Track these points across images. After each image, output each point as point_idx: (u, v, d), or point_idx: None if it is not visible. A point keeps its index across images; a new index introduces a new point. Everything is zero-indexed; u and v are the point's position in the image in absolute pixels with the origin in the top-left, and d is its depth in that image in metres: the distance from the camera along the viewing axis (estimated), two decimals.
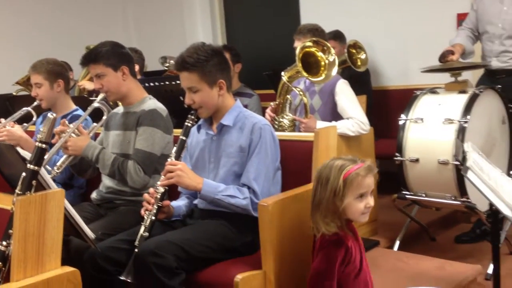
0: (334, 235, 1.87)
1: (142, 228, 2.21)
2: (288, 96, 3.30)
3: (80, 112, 3.17)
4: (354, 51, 3.88)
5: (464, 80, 3.28)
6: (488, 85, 3.17)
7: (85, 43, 4.73)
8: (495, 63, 3.24)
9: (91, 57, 2.67)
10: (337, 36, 4.35)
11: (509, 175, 3.16)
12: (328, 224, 1.87)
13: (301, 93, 3.23)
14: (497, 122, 3.17)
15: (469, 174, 2.10)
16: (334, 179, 1.85)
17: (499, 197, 2.11)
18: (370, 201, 1.90)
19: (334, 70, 3.10)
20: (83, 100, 3.67)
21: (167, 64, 4.84)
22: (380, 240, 3.45)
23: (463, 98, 2.99)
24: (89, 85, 4.49)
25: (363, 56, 3.89)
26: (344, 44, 4.37)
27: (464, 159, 2.19)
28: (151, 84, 3.40)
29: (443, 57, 3.21)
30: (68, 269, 1.80)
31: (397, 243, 3.34)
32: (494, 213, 2.24)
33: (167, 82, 3.45)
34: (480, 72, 3.50)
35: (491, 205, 2.16)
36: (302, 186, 2.27)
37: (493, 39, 3.24)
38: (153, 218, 2.23)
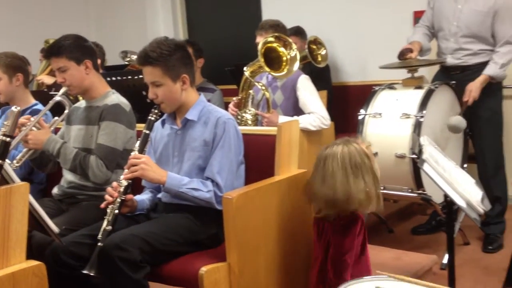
0: (352, 213, 2.02)
1: (105, 222, 2.20)
2: (251, 91, 3.33)
3: (39, 106, 3.11)
4: (314, 47, 3.94)
5: (420, 76, 3.38)
6: (443, 80, 3.27)
7: (43, 37, 4.64)
8: (450, 60, 3.34)
9: (53, 50, 2.63)
10: (298, 32, 4.40)
11: (463, 167, 3.29)
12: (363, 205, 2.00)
13: (263, 88, 3.27)
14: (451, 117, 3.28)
15: (425, 167, 2.18)
16: (368, 162, 2.01)
17: (454, 188, 2.20)
18: None
19: (296, 65, 3.14)
20: (42, 95, 3.61)
21: (128, 59, 4.79)
22: None
23: (419, 94, 3.08)
24: (48, 80, 4.42)
25: (323, 52, 3.95)
26: (305, 40, 4.43)
27: (420, 152, 2.27)
28: (114, 78, 3.38)
29: (402, 55, 3.30)
30: (33, 262, 1.78)
31: None
32: (448, 204, 2.33)
33: (129, 77, 3.43)
34: (435, 68, 3.61)
35: (446, 196, 2.25)
36: (266, 180, 2.31)
37: (448, 36, 3.33)
38: (116, 211, 2.22)
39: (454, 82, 3.25)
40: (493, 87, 3.26)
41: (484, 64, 3.24)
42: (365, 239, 2.14)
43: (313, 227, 2.15)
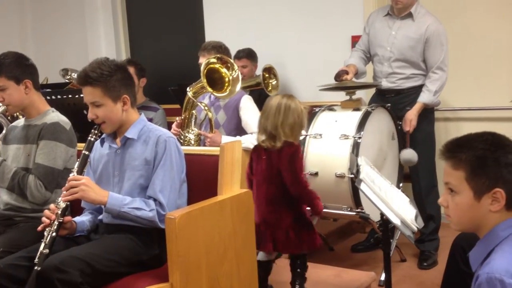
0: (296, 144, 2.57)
1: (42, 245, 2.14)
2: (194, 111, 3.35)
3: None
4: (267, 75, 4.01)
5: (358, 98, 3.51)
6: (379, 103, 3.41)
7: None
8: (385, 84, 3.48)
9: None
10: (250, 55, 4.45)
11: (398, 187, 3.42)
12: (296, 136, 2.58)
13: (206, 108, 3.30)
14: (387, 138, 3.42)
15: (362, 186, 2.26)
16: (301, 108, 2.58)
17: (389, 207, 2.28)
18: None
19: (238, 86, 3.19)
20: None
21: (68, 77, 4.71)
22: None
23: (357, 115, 3.20)
24: None
25: (274, 82, 4.04)
26: (256, 63, 4.48)
27: (358, 172, 2.34)
28: (54, 97, 3.32)
29: (338, 77, 3.42)
30: None
31: None
32: (384, 222, 2.41)
33: (70, 96, 3.38)
34: (372, 91, 3.75)
35: (382, 215, 2.33)
36: (209, 199, 2.32)
37: (383, 61, 3.48)
38: (54, 234, 2.17)
39: (389, 104, 3.39)
40: (427, 110, 3.43)
41: (416, 88, 3.41)
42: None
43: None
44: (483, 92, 4.01)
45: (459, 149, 1.54)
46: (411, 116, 3.35)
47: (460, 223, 1.59)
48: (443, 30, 3.36)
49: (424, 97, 3.35)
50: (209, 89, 3.15)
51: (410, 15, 3.38)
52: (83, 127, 2.87)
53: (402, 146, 3.47)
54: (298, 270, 2.65)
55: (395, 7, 3.39)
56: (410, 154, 3.16)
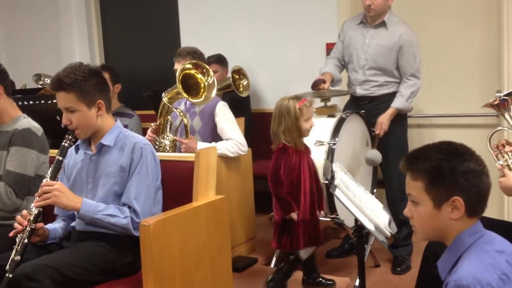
0: (282, 144, 2.81)
1: (14, 252, 2.11)
2: (169, 117, 3.33)
3: None
4: (237, 76, 4.03)
5: (332, 105, 3.54)
6: (354, 110, 3.45)
7: None
8: (359, 91, 3.52)
9: None
10: (220, 59, 4.47)
11: (372, 192, 3.45)
12: (292, 136, 2.79)
13: (181, 114, 3.28)
14: (361, 144, 3.45)
15: (337, 192, 2.28)
16: (292, 108, 2.77)
17: (363, 213, 2.30)
18: (312, 122, 2.83)
19: (214, 92, 3.19)
20: None
21: (41, 82, 4.64)
22: (258, 258, 3.57)
23: (332, 122, 3.23)
24: None
25: (245, 82, 4.05)
26: (226, 68, 4.50)
27: (332, 178, 2.36)
28: (26, 103, 3.27)
29: (315, 86, 3.44)
30: None
31: (274, 259, 3.48)
32: (359, 228, 2.43)
33: (43, 101, 3.33)
34: (346, 97, 3.79)
35: (356, 220, 2.35)
36: (184, 206, 2.31)
37: (357, 69, 3.52)
38: (26, 241, 2.14)
39: (363, 111, 3.43)
40: (400, 117, 3.48)
41: (390, 95, 3.45)
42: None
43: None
44: (456, 99, 4.08)
45: (417, 160, 1.57)
46: (383, 119, 3.40)
47: (425, 233, 1.62)
48: (416, 38, 3.41)
49: (397, 102, 3.40)
50: (185, 95, 3.14)
51: (383, 24, 3.43)
52: (56, 133, 2.84)
53: None
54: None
55: (367, 15, 3.44)
56: (372, 154, 3.23)
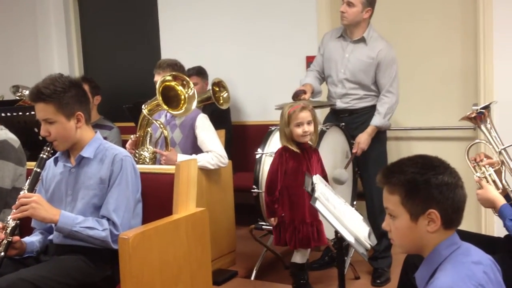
0: (281, 148, 2.96)
1: None
2: (149, 129, 3.32)
3: None
4: (217, 89, 4.04)
5: None
6: (334, 122, 3.48)
7: None
8: (339, 104, 3.55)
9: None
10: (200, 72, 4.48)
11: (352, 205, 3.46)
12: (283, 140, 2.95)
13: (161, 126, 3.27)
14: (341, 156, 3.47)
15: (317, 204, 2.27)
16: (284, 114, 2.91)
17: (343, 225, 2.30)
18: (306, 127, 2.89)
19: (194, 104, 3.19)
20: None
21: (19, 93, 4.59)
22: (238, 270, 3.56)
23: None
24: None
25: (225, 94, 4.07)
26: (206, 80, 4.51)
27: (313, 190, 2.37)
28: (3, 114, 3.22)
29: (296, 96, 3.45)
30: None
31: (254, 272, 3.47)
32: (339, 240, 2.43)
33: (20, 113, 3.29)
34: (327, 110, 3.82)
35: (336, 232, 2.35)
36: (164, 218, 2.29)
37: (337, 82, 3.55)
38: (2, 254, 2.11)
39: (343, 124, 3.46)
40: (378, 131, 3.50)
41: (370, 108, 3.48)
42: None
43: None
44: (434, 112, 4.14)
45: (392, 174, 1.59)
46: (361, 139, 3.42)
47: (403, 246, 1.63)
48: (394, 55, 3.46)
49: (376, 121, 3.44)
50: (165, 107, 3.13)
51: (363, 39, 3.47)
52: (34, 145, 2.81)
53: (355, 164, 3.53)
54: None
55: (341, 22, 3.47)
56: (337, 173, 3.27)
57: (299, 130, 2.89)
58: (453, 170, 1.58)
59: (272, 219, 2.96)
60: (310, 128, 2.91)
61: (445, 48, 4.08)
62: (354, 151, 3.44)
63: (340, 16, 3.44)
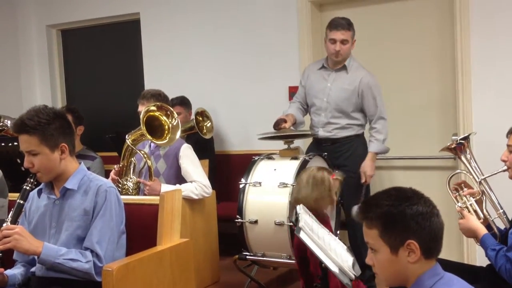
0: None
1: None
2: (132, 159, 3.31)
3: None
4: (200, 118, 4.06)
5: (296, 147, 3.59)
6: (316, 152, 3.51)
7: None
8: (322, 133, 3.60)
9: None
10: (183, 102, 4.49)
11: (336, 234, 3.47)
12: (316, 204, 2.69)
13: (145, 156, 3.27)
14: None
15: (301, 234, 2.29)
16: (328, 180, 2.75)
17: (328, 255, 2.31)
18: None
19: (178, 134, 3.20)
20: None
21: (1, 124, 4.55)
22: None
23: (295, 164, 3.27)
24: None
25: (208, 124, 4.09)
26: (190, 110, 4.52)
27: (297, 220, 2.38)
28: None
29: (277, 125, 3.50)
30: None
31: None
32: (323, 270, 2.44)
33: (3, 144, 3.27)
34: (309, 140, 3.85)
35: (321, 263, 2.36)
36: (148, 250, 2.28)
37: (319, 111, 3.61)
38: None
39: (325, 153, 3.50)
40: (360, 162, 3.55)
41: (351, 137, 3.54)
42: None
43: None
44: (415, 142, 4.19)
45: (369, 208, 1.61)
46: (366, 168, 3.48)
47: (387, 279, 1.65)
48: (376, 81, 3.53)
49: (374, 147, 3.51)
50: (149, 137, 3.14)
51: (344, 68, 3.54)
52: (17, 176, 2.78)
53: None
54: None
55: (335, 59, 3.54)
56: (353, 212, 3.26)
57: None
58: (427, 199, 1.60)
59: None
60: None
61: (425, 79, 4.15)
62: (362, 181, 3.48)
63: (334, 54, 3.50)
